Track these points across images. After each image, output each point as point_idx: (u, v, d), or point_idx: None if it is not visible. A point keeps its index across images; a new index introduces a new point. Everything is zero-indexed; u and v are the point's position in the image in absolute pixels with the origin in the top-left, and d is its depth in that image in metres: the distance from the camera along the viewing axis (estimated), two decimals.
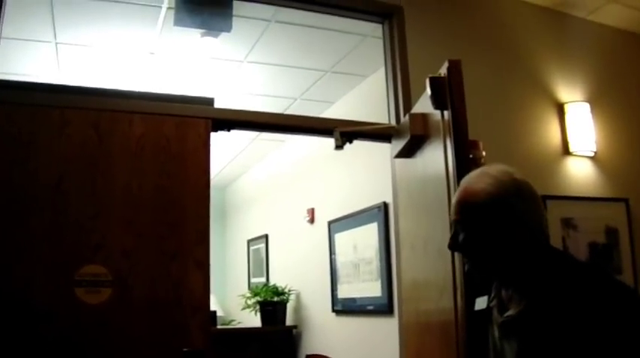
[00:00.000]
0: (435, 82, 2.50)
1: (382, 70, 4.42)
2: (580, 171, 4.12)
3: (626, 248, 4.16)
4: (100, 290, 2.61)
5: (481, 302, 1.84)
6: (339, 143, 3.22)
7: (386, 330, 4.49)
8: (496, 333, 1.70)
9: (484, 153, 2.65)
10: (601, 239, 4.06)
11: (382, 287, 4.59)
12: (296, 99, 5.31)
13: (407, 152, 3.04)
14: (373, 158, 4.67)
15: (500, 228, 1.59)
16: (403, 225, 3.27)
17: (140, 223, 2.73)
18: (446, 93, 2.45)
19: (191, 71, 4.69)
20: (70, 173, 2.65)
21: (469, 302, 1.98)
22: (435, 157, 2.60)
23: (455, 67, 2.45)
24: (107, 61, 4.40)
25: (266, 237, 7.09)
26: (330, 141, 4.89)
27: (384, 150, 4.02)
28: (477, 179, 1.66)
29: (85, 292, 2.59)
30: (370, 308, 4.77)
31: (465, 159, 2.34)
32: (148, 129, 2.79)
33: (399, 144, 3.15)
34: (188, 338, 2.73)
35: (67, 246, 2.60)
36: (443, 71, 2.50)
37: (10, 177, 2.58)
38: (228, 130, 3.04)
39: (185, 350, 2.65)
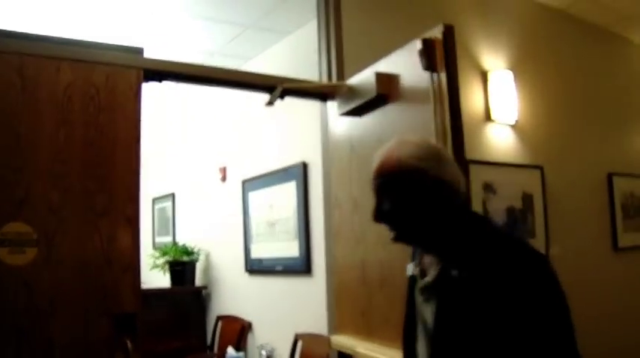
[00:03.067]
0: (428, 44, 2.53)
1: (303, 29, 4.36)
2: (500, 138, 4.22)
3: (539, 213, 4.33)
4: (24, 251, 2.41)
5: (411, 268, 1.89)
6: (274, 99, 3.13)
7: (304, 290, 4.50)
8: (419, 298, 1.78)
9: None
10: (518, 204, 4.20)
11: (300, 246, 4.57)
12: (213, 55, 5.13)
13: (358, 111, 3.04)
14: (291, 118, 4.62)
15: (419, 193, 1.63)
16: (339, 183, 3.23)
17: (67, 177, 2.53)
18: (436, 55, 2.51)
19: (98, 15, 4.40)
20: None
21: None
22: (408, 117, 2.69)
23: (450, 32, 2.52)
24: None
25: (173, 195, 6.90)
26: (245, 98, 4.79)
27: (303, 109, 3.94)
28: (395, 147, 1.69)
29: (8, 252, 2.37)
30: (287, 267, 4.75)
31: (459, 119, 2.46)
32: (76, 77, 2.57)
33: (346, 103, 3.13)
34: (118, 299, 2.59)
35: None
36: (434, 34, 2.54)
37: None
38: (160, 81, 2.88)
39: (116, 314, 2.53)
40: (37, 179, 2.47)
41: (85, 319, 2.50)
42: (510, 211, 4.13)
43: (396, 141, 1.71)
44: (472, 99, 4.12)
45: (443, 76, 2.48)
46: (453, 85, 2.47)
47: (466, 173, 2.42)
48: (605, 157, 5.09)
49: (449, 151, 2.39)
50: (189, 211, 6.58)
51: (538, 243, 4.24)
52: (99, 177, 2.62)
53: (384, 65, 2.90)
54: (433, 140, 2.44)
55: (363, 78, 3.01)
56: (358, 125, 3.09)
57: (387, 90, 2.83)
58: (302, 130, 4.53)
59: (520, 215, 4.19)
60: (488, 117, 4.15)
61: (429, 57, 2.52)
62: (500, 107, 4.18)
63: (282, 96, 3.20)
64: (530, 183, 4.32)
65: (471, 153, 3.91)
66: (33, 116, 2.49)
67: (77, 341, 2.45)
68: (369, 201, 2.89)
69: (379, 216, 1.71)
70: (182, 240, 6.38)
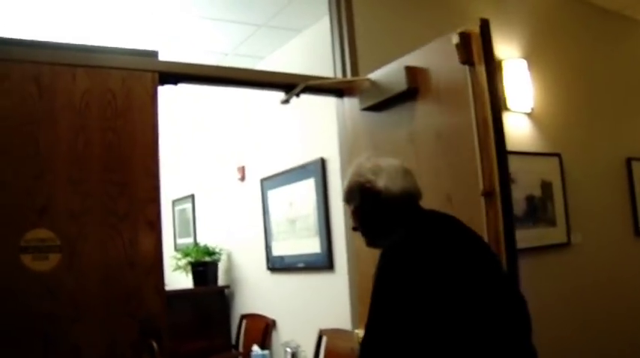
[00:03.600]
0: (465, 38, 2.57)
1: (316, 25, 4.35)
2: (517, 127, 4.20)
3: (559, 200, 4.31)
4: (48, 256, 2.44)
5: None
6: (290, 97, 3.13)
7: (326, 285, 4.49)
8: None
9: None
10: (537, 192, 4.18)
11: (321, 242, 4.57)
12: (226, 55, 5.14)
13: (382, 105, 3.06)
14: (307, 114, 4.62)
15: (362, 202, 2.02)
16: None
17: (87, 183, 2.55)
18: (473, 49, 2.56)
19: (114, 19, 4.43)
20: (9, 131, 2.43)
21: None
22: (443, 111, 2.73)
23: (486, 25, 2.56)
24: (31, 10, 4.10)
25: (192, 197, 6.93)
26: (260, 97, 4.79)
27: (319, 105, 3.93)
28: (351, 171, 2.08)
29: (32, 259, 2.40)
30: (309, 264, 4.75)
31: (500, 113, 2.52)
32: (92, 83, 2.60)
33: (369, 98, 3.14)
34: (142, 302, 2.61)
35: (10, 209, 2.40)
36: (470, 28, 2.59)
37: None
38: (176, 84, 2.89)
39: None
40: (57, 185, 2.49)
41: (110, 323, 2.52)
42: (530, 200, 4.10)
43: (353, 166, 2.09)
44: None
45: (481, 70, 2.52)
46: (493, 78, 2.51)
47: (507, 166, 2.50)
48: (623, 142, 5.04)
49: (490, 144, 2.46)
50: (210, 212, 6.60)
51: (559, 231, 4.23)
52: (119, 181, 2.64)
53: (412, 59, 2.91)
54: (472, 130, 2.52)
55: (389, 72, 3.02)
56: (381, 119, 3.09)
57: (417, 84, 2.85)
58: (319, 126, 4.52)
59: (540, 203, 4.17)
60: (504, 106, 4.11)
61: (466, 51, 2.55)
62: (516, 96, 4.16)
63: (297, 94, 3.21)
64: (549, 171, 4.30)
65: None
66: (51, 124, 2.51)
67: (103, 345, 2.48)
68: None
69: (353, 227, 2.15)
70: (203, 240, 6.40)
